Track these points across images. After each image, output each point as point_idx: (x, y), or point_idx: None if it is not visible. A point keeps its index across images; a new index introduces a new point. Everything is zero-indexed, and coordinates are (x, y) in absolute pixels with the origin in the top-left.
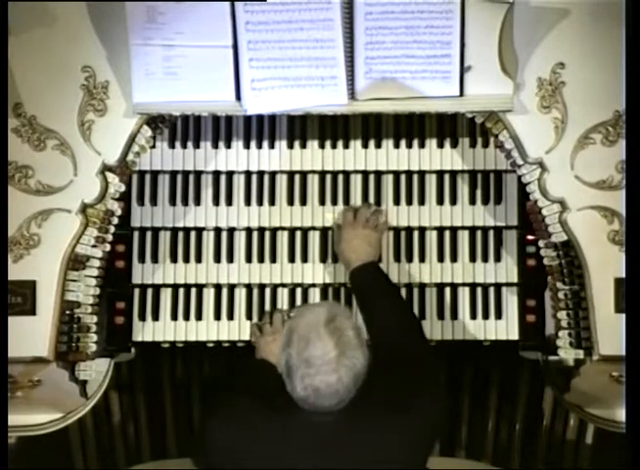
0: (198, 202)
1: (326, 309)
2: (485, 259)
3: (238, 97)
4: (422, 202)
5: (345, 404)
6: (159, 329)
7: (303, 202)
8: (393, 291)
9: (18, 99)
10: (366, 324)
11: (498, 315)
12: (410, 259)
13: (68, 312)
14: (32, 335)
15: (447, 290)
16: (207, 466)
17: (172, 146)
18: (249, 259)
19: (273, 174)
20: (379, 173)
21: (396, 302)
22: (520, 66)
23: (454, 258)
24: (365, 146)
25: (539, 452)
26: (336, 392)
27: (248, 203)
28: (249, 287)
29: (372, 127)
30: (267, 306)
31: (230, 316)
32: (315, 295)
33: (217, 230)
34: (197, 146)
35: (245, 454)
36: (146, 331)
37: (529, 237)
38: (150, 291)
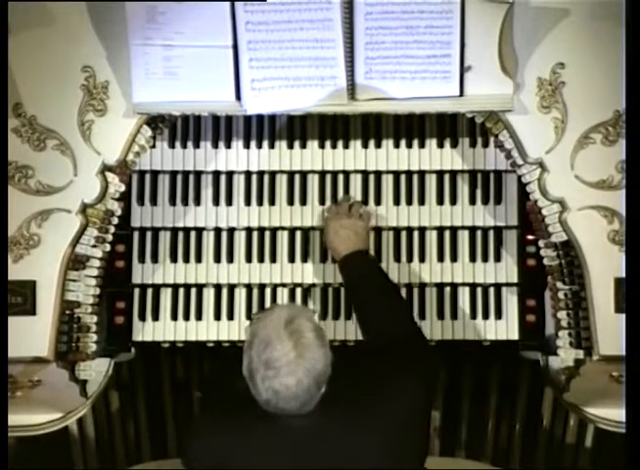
0: (198, 202)
1: (285, 311)
2: (485, 259)
3: (238, 97)
4: (422, 202)
5: (319, 405)
6: (159, 329)
7: (303, 202)
8: (385, 277)
9: (18, 99)
10: (357, 313)
11: (498, 315)
12: (410, 259)
13: (68, 312)
14: (32, 335)
15: (447, 290)
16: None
17: (172, 146)
18: (249, 259)
19: (273, 174)
20: (379, 173)
21: (387, 288)
22: (520, 66)
23: (454, 258)
24: (365, 146)
25: (539, 452)
26: (295, 394)
27: (248, 203)
28: (249, 287)
29: (372, 127)
30: (267, 307)
31: (230, 316)
32: (315, 295)
33: (217, 230)
34: (197, 146)
35: (226, 461)
36: (146, 331)
37: (529, 237)
38: (150, 291)
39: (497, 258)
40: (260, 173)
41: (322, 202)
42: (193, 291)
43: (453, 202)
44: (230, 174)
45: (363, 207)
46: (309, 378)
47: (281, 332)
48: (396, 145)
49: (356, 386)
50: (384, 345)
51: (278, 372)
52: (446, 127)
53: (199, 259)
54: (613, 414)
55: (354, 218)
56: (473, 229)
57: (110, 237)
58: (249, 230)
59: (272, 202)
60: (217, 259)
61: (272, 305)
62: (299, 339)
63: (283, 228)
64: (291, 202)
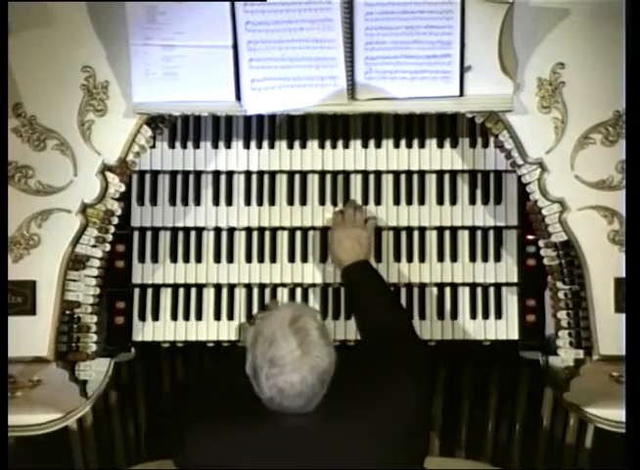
0: (198, 202)
1: (290, 310)
2: (485, 259)
3: (238, 97)
4: (422, 202)
5: (318, 405)
6: (159, 329)
7: (303, 202)
8: (385, 288)
9: (18, 99)
10: (358, 322)
11: (498, 315)
12: (410, 259)
13: (68, 312)
14: (32, 335)
15: (447, 290)
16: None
17: (172, 146)
18: (249, 259)
19: (273, 174)
20: (379, 173)
21: (388, 299)
22: (520, 66)
23: (454, 258)
24: (365, 146)
25: (539, 452)
26: (300, 392)
27: (248, 203)
28: (249, 287)
29: (372, 127)
30: (268, 305)
31: (230, 316)
32: (315, 295)
33: (217, 230)
34: (197, 146)
35: (225, 460)
36: (146, 331)
37: (529, 237)
38: (150, 291)
39: (497, 258)
40: (260, 173)
41: (322, 202)
42: (193, 291)
43: (453, 202)
44: (230, 174)
45: (366, 214)
46: (314, 376)
47: (286, 330)
48: (396, 145)
49: (355, 386)
50: (381, 347)
51: (282, 370)
52: (446, 127)
53: (199, 259)
54: (613, 414)
55: (359, 228)
56: (473, 229)
57: (110, 237)
58: (249, 230)
59: (272, 202)
60: (217, 259)
61: (271, 301)
62: (305, 337)
63: (283, 228)
64: (291, 202)
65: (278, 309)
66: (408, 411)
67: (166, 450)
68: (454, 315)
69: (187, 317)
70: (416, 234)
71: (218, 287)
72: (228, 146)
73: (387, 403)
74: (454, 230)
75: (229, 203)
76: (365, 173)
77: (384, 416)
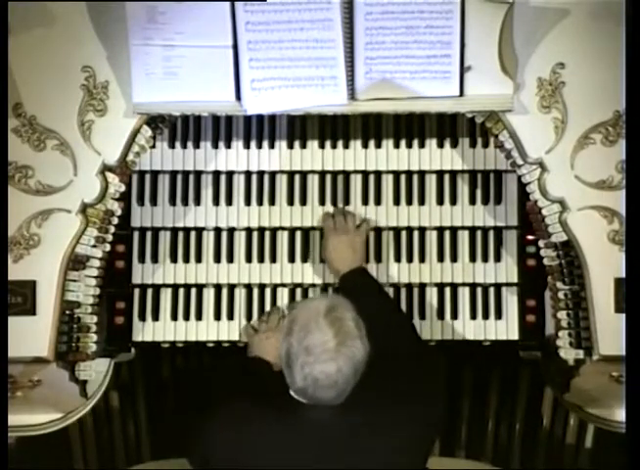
0: (198, 202)
1: (326, 300)
2: (485, 259)
3: (238, 97)
4: (422, 202)
5: (344, 401)
6: (159, 329)
7: (303, 202)
8: (383, 294)
9: (18, 99)
10: None
11: (498, 315)
12: (410, 260)
13: (68, 312)
14: (32, 335)
15: (447, 290)
16: (204, 466)
17: (172, 146)
18: (249, 259)
19: (273, 174)
20: (379, 173)
21: (387, 305)
22: (520, 66)
23: (454, 258)
24: (365, 146)
25: (539, 452)
26: (335, 383)
27: (248, 203)
28: (249, 287)
29: (372, 127)
30: (267, 306)
31: (230, 316)
32: (315, 295)
33: (217, 230)
34: (197, 146)
35: (244, 455)
36: (146, 331)
37: (529, 237)
38: (150, 291)
39: (497, 258)
40: (260, 173)
41: (322, 202)
42: (193, 291)
43: (453, 202)
44: (230, 174)
45: (357, 220)
46: (349, 366)
47: (323, 320)
48: (396, 145)
49: (379, 389)
50: (398, 356)
51: (318, 358)
52: (446, 127)
53: (199, 259)
54: (613, 414)
55: (352, 234)
56: (473, 229)
57: (110, 237)
58: (249, 230)
59: (272, 202)
60: (217, 259)
61: (272, 309)
62: (341, 327)
63: (283, 228)
64: (291, 202)
65: (313, 300)
66: (432, 426)
67: (183, 449)
68: (454, 315)
69: (187, 317)
70: (416, 234)
71: (218, 287)
72: (228, 146)
73: (414, 413)
74: (454, 230)
75: (229, 203)
76: (365, 173)
77: (403, 422)
